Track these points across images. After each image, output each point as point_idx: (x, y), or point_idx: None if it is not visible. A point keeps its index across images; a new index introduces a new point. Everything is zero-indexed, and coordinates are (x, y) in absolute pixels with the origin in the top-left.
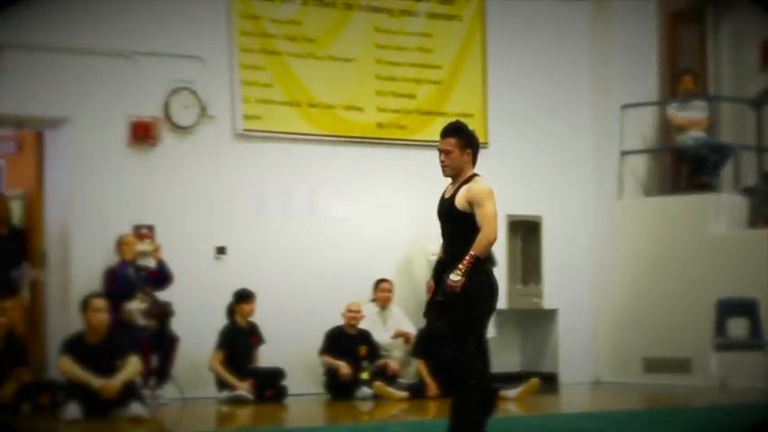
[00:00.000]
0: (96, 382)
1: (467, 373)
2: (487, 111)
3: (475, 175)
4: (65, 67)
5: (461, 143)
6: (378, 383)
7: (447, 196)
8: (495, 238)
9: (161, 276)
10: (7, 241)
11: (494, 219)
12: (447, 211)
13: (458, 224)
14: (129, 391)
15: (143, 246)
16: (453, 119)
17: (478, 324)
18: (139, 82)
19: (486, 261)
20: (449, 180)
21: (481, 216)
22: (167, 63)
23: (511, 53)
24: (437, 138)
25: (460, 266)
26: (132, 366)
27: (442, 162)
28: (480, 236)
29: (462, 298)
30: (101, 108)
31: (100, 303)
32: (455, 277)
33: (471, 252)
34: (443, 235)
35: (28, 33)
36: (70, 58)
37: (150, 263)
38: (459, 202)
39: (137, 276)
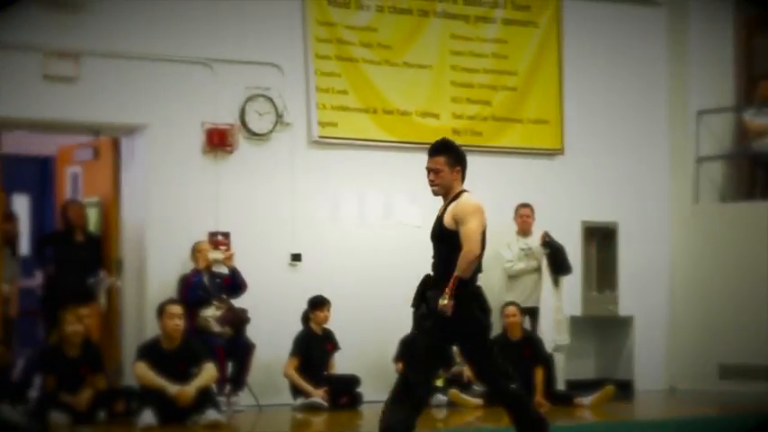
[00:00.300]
0: (172, 388)
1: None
2: (563, 117)
3: (463, 191)
4: (142, 75)
5: (450, 161)
6: (452, 391)
7: (438, 215)
8: (475, 255)
9: (234, 284)
10: (84, 248)
11: (475, 235)
12: (437, 230)
13: (446, 243)
14: (205, 398)
15: (215, 254)
16: (529, 125)
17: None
18: (216, 89)
19: (470, 282)
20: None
21: (463, 234)
22: (243, 70)
23: (586, 59)
24: (513, 144)
25: (447, 290)
26: (208, 373)
27: (431, 181)
28: (461, 255)
29: (470, 335)
30: (177, 115)
31: (175, 309)
32: (443, 301)
33: (455, 273)
34: (433, 256)
35: (105, 41)
36: (147, 65)
37: (225, 270)
38: (447, 220)
39: (212, 284)
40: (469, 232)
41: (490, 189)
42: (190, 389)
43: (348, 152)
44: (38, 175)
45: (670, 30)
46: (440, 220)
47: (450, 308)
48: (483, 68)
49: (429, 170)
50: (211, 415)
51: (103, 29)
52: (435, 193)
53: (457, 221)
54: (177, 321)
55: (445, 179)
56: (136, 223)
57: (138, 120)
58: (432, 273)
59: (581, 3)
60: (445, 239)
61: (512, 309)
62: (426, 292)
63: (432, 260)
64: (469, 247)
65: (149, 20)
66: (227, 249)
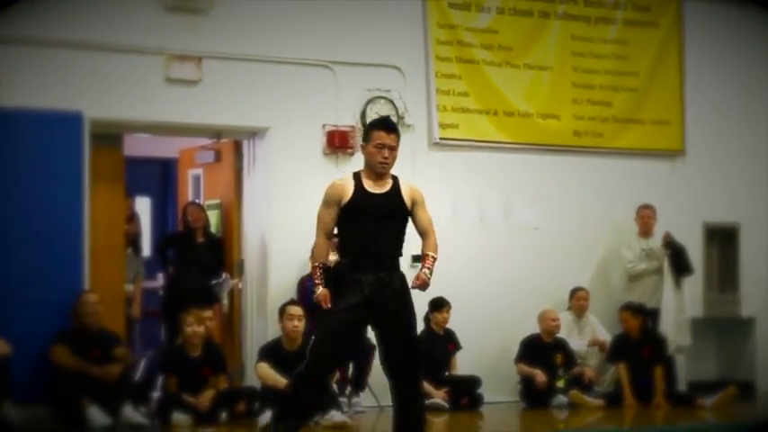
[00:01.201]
0: None
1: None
2: (685, 117)
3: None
4: (263, 77)
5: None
6: (574, 392)
7: (379, 192)
8: None
9: None
10: (205, 250)
11: None
12: (398, 208)
13: (401, 222)
14: (327, 397)
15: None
16: (650, 126)
17: None
18: (337, 91)
19: None
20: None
21: (428, 219)
22: (364, 72)
23: (708, 59)
24: (634, 145)
25: (429, 266)
26: None
27: (385, 159)
28: (434, 238)
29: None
30: (298, 117)
31: (294, 311)
32: (430, 274)
33: (434, 254)
34: (376, 231)
35: (227, 44)
36: (269, 67)
37: None
38: (407, 200)
39: None
40: (431, 219)
41: (611, 190)
42: None
43: (468, 154)
44: (160, 177)
45: None
46: (398, 199)
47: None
48: (604, 69)
49: (387, 147)
50: (336, 416)
51: (225, 32)
52: (384, 172)
53: (413, 203)
54: (296, 323)
55: (395, 158)
56: (257, 225)
57: (259, 122)
58: (372, 249)
59: (702, 3)
60: (402, 218)
61: (626, 314)
62: (383, 273)
63: (373, 237)
64: (435, 232)
65: (271, 22)
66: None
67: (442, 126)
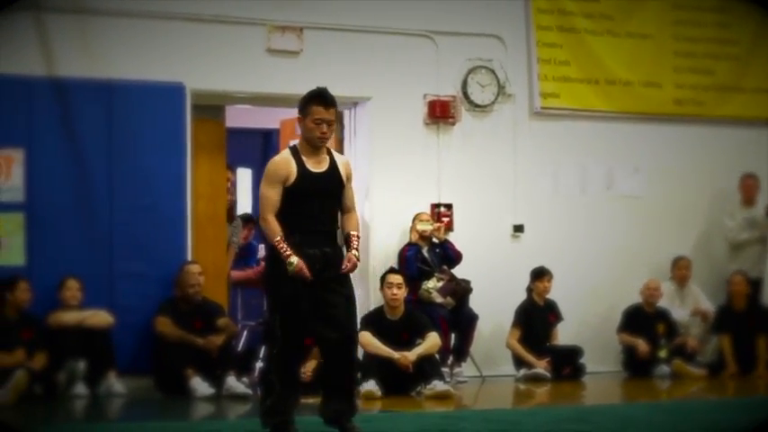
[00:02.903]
0: (394, 354)
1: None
2: None
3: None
4: (364, 48)
5: None
6: (677, 361)
7: (321, 171)
8: None
9: (446, 256)
10: None
11: None
12: (337, 186)
13: (338, 199)
14: (429, 366)
15: (424, 225)
16: (753, 95)
17: None
18: (438, 61)
19: None
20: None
21: (353, 195)
22: (466, 42)
23: None
24: (736, 114)
25: (357, 247)
26: (431, 341)
27: (323, 134)
28: (357, 216)
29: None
30: (399, 87)
31: (393, 279)
32: (359, 254)
33: (359, 234)
34: (319, 209)
35: (328, 14)
36: (370, 38)
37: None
38: (343, 177)
39: (432, 255)
40: (354, 196)
41: (713, 159)
42: (411, 354)
43: (570, 123)
44: (261, 148)
45: None
46: (338, 176)
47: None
48: (705, 37)
49: (326, 122)
50: (438, 386)
51: (326, 2)
52: (320, 146)
53: (347, 179)
54: (395, 291)
55: (332, 132)
56: (358, 195)
57: (360, 92)
58: (317, 227)
59: None
60: (339, 195)
61: (738, 278)
62: (327, 248)
63: (317, 215)
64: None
65: None
66: (432, 221)
67: (544, 95)
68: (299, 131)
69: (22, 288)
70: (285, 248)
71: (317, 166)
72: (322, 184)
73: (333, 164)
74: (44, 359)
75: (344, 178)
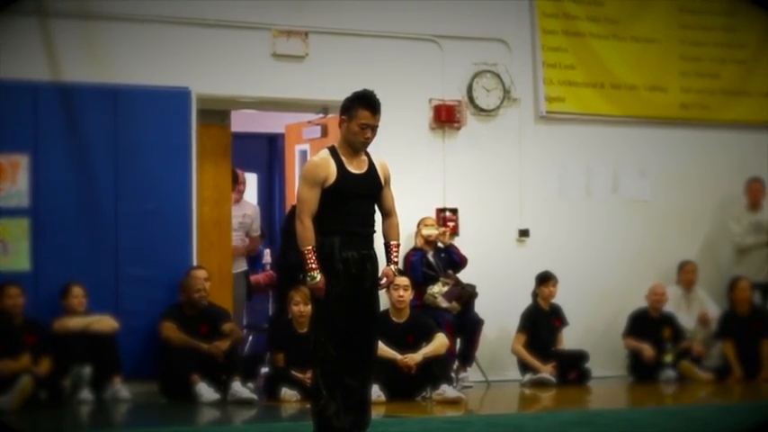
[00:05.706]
0: (399, 355)
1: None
2: None
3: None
4: (370, 52)
5: None
6: (685, 362)
7: (360, 173)
8: None
9: (451, 261)
10: None
11: None
12: (376, 189)
13: (376, 202)
14: (438, 368)
15: (429, 230)
16: (759, 99)
17: None
18: (443, 65)
19: None
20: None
21: (393, 198)
22: (471, 46)
23: None
24: (742, 118)
25: (396, 260)
26: (438, 341)
27: (367, 139)
28: (397, 220)
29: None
30: (404, 91)
31: (401, 281)
32: (397, 270)
33: (399, 242)
34: (358, 211)
35: (333, 19)
36: (375, 42)
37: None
38: (381, 179)
39: (437, 260)
40: (394, 198)
41: (719, 163)
42: (417, 355)
43: (575, 127)
44: (266, 153)
45: None
46: (375, 178)
47: None
48: (711, 41)
49: (371, 127)
50: (448, 391)
51: (332, 7)
52: (360, 150)
53: (385, 182)
54: (401, 293)
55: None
56: None
57: None
58: (356, 228)
59: None
60: (377, 197)
61: (742, 283)
62: (365, 251)
63: (356, 217)
64: (396, 214)
65: None
66: (443, 225)
67: (549, 100)
68: (331, 133)
69: (12, 294)
70: (312, 260)
71: (357, 167)
72: (362, 186)
73: (372, 165)
74: (49, 365)
75: (383, 180)
